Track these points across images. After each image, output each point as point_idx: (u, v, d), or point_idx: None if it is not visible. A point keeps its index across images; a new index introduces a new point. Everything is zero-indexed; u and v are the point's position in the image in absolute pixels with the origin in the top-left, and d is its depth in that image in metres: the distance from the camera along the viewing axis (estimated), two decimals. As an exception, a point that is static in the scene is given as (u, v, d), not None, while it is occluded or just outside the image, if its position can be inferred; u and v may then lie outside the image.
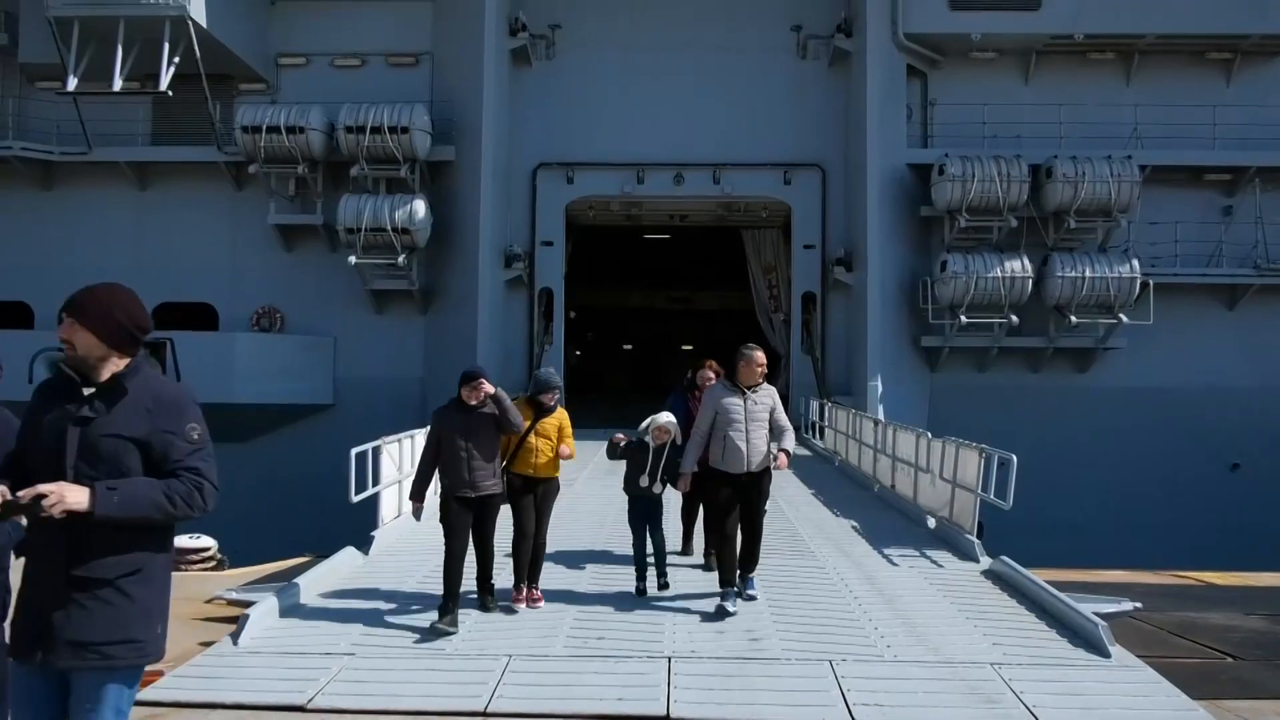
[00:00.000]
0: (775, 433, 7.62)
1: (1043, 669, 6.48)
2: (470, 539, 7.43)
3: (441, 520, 7.39)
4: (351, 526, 10.25)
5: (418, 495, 7.58)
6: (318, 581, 8.46)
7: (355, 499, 10.13)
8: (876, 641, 7.02)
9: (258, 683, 6.12)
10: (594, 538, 10.70)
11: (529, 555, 7.84)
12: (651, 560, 8.36)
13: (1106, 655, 6.69)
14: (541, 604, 7.80)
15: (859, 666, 6.46)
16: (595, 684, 6.08)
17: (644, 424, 8.19)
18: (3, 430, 4.44)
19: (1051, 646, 6.97)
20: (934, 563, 9.79)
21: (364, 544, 9.81)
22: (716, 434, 7.58)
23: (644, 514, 8.28)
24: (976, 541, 10.06)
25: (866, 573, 9.28)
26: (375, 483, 10.43)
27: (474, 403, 7.32)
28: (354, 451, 10.21)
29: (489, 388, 7.37)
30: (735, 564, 7.74)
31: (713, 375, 8.76)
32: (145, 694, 5.92)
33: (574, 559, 9.46)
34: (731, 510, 7.64)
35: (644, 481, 8.09)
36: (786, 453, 7.55)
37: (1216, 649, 7.49)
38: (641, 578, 8.23)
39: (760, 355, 7.68)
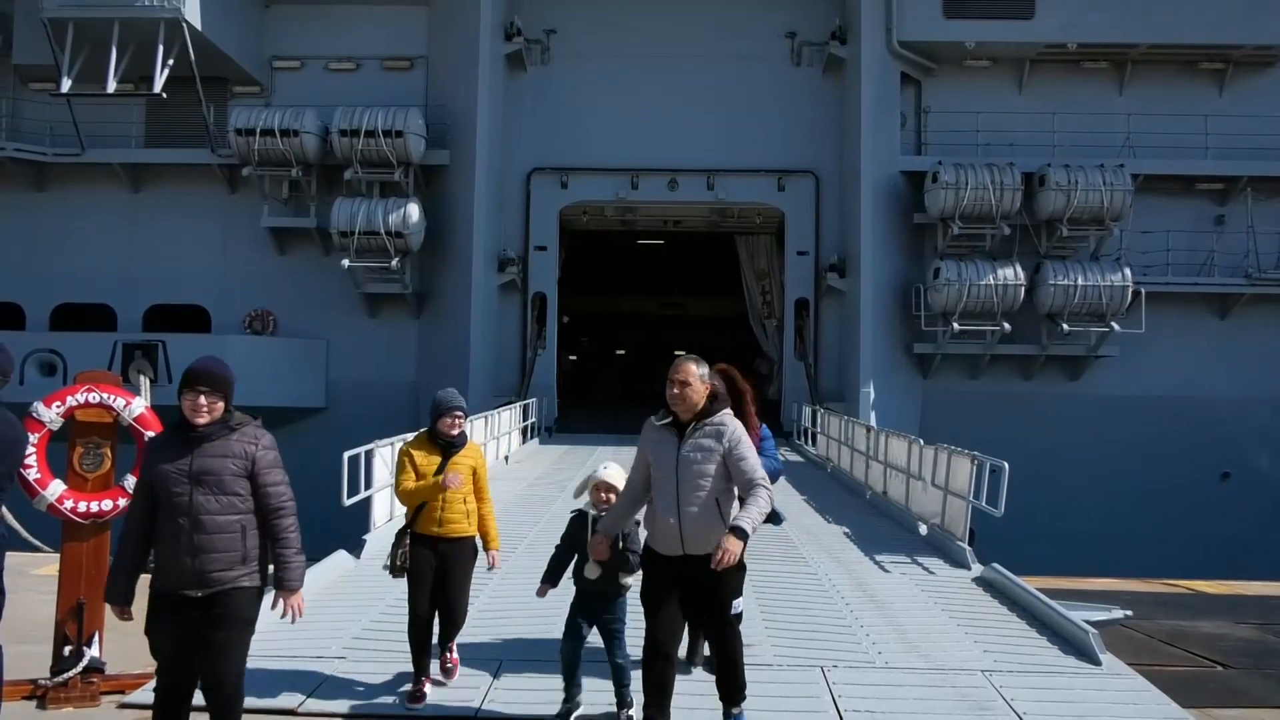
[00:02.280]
0: (740, 490, 5.01)
1: (1033, 676, 6.49)
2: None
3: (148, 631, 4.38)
4: (343, 530, 10.23)
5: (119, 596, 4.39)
6: (309, 585, 8.38)
7: (347, 503, 10.12)
8: (868, 648, 7.03)
9: (249, 686, 6.08)
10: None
11: (429, 644, 5.94)
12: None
13: (1097, 663, 6.70)
14: (457, 673, 6.17)
15: (850, 673, 6.47)
16: (588, 688, 6.05)
17: (582, 480, 5.81)
18: (2, 430, 4.42)
19: (1042, 654, 6.98)
20: (925, 569, 9.80)
21: (356, 548, 9.79)
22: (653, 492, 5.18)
23: (590, 615, 5.58)
24: (968, 548, 10.08)
25: (858, 579, 9.28)
26: (367, 486, 10.42)
27: (455, 433, 6.00)
28: (346, 455, 10.19)
29: (464, 424, 6.11)
30: (666, 696, 5.17)
31: (722, 384, 5.53)
32: (134, 697, 5.91)
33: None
34: (662, 611, 5.07)
35: (590, 572, 5.48)
36: (739, 532, 4.72)
37: (1206, 657, 7.51)
38: (569, 698, 5.64)
39: (693, 368, 5.07)
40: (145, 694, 5.89)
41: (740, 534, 4.75)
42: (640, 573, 5.31)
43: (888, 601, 8.41)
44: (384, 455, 10.80)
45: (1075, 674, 6.57)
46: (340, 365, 24.13)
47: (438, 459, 5.95)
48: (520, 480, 16.06)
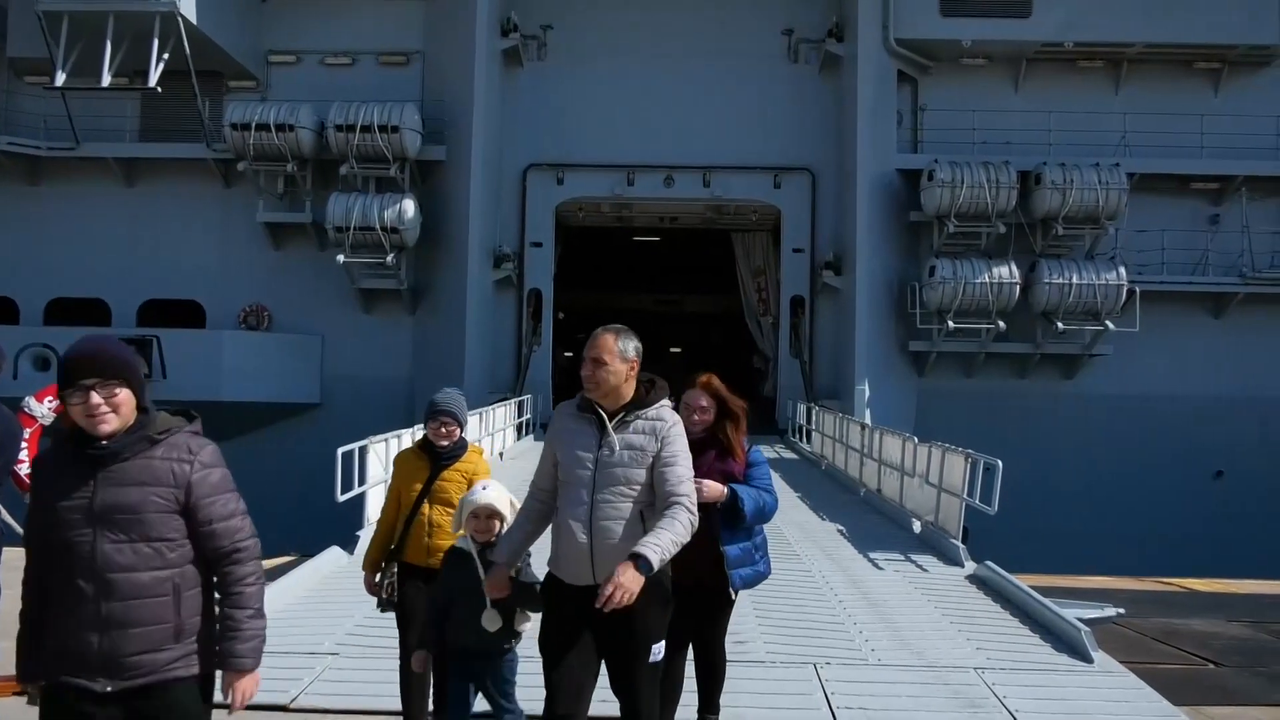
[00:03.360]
0: (657, 502, 3.91)
1: (1026, 674, 6.50)
2: None
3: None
4: (337, 526, 10.23)
5: None
6: (302, 581, 8.45)
7: (341, 498, 10.12)
8: (861, 645, 7.03)
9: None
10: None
11: (425, 691, 5.08)
12: None
13: (1089, 661, 6.71)
14: None
15: (843, 670, 6.47)
16: None
17: (459, 506, 4.67)
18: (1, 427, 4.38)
19: (1035, 651, 6.99)
20: (919, 567, 9.81)
21: (349, 543, 9.78)
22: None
23: (473, 678, 4.57)
24: (961, 546, 10.10)
25: (852, 576, 9.29)
26: (361, 482, 10.41)
27: (443, 443, 5.04)
28: (340, 451, 10.19)
29: (456, 433, 5.09)
30: None
31: (706, 402, 4.92)
32: (127, 692, 5.89)
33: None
34: (566, 660, 3.91)
35: (490, 622, 4.38)
36: (639, 562, 3.63)
37: (1198, 655, 7.53)
38: None
39: (613, 342, 4.00)
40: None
41: (641, 564, 3.59)
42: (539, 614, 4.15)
43: (881, 599, 8.42)
44: (378, 451, 10.80)
45: (1068, 672, 6.58)
46: (335, 361, 24.10)
47: (425, 472, 5.03)
48: (514, 478, 16.03)
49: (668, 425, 3.99)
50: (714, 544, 4.73)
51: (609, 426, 3.94)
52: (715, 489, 4.69)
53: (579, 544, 3.88)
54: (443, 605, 4.49)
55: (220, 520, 3.00)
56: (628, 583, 3.56)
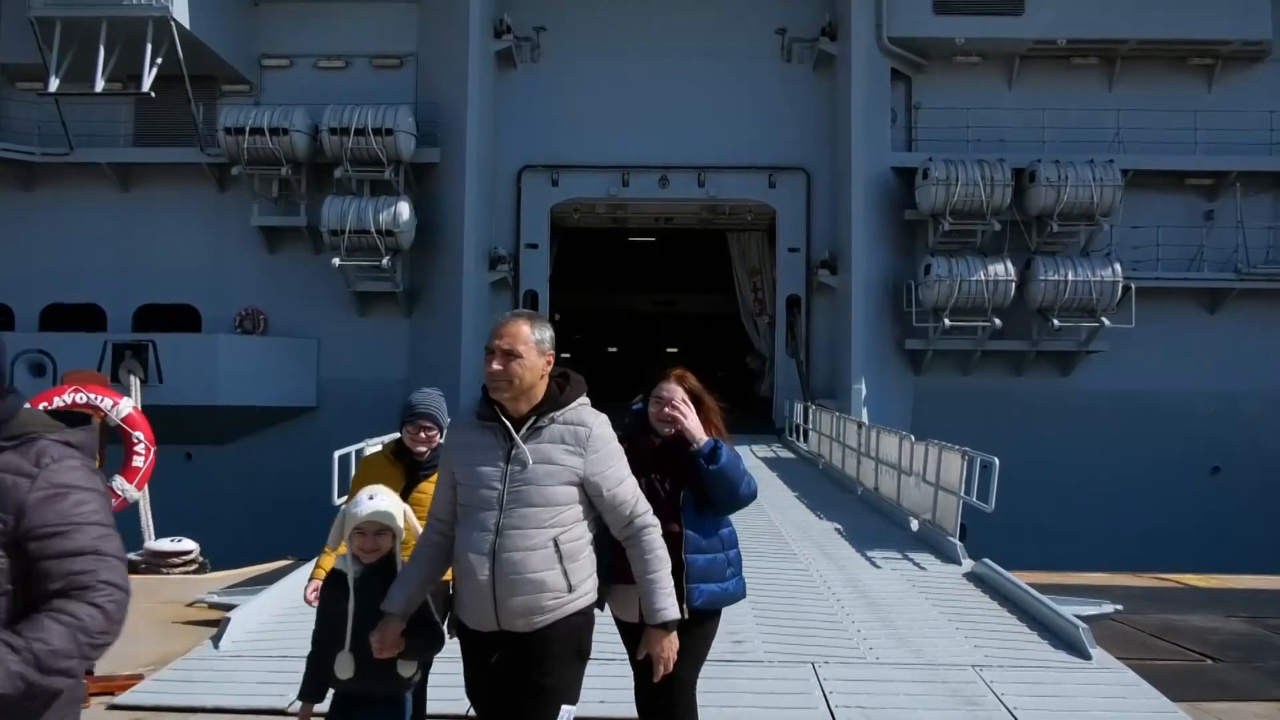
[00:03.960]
0: (617, 531, 3.43)
1: (1024, 671, 6.50)
2: None
3: None
4: (333, 529, 10.19)
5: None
6: (300, 584, 8.41)
7: (338, 502, 10.08)
8: (859, 644, 7.03)
9: (238, 686, 6.09)
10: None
11: None
12: None
13: (1087, 657, 6.72)
14: None
15: (841, 669, 6.47)
16: (578, 687, 6.06)
17: (336, 521, 3.91)
18: None
19: (1033, 649, 7.00)
20: (916, 565, 9.82)
21: (346, 547, 9.74)
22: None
23: None
24: (959, 544, 10.11)
25: (849, 575, 9.29)
26: (358, 485, 10.38)
27: (420, 449, 4.50)
28: (337, 454, 10.18)
29: (435, 437, 4.53)
30: None
31: (680, 394, 4.00)
32: (124, 698, 5.89)
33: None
34: (490, 712, 3.56)
35: (342, 668, 3.61)
36: (665, 623, 3.40)
37: (1197, 651, 7.53)
38: None
39: (525, 330, 3.33)
40: (134, 695, 5.88)
41: (669, 624, 3.37)
42: (434, 657, 3.72)
43: (879, 597, 8.42)
44: (374, 454, 10.75)
45: (1066, 668, 6.59)
46: (331, 364, 24.07)
47: (399, 483, 4.35)
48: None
49: (590, 430, 3.32)
50: (676, 552, 3.74)
51: (517, 436, 3.29)
52: (699, 428, 3.88)
53: (479, 583, 3.24)
54: (320, 643, 3.70)
55: (59, 558, 2.09)
56: (668, 652, 3.42)
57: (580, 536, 3.34)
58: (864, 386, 22.52)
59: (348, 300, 24.00)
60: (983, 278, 22.27)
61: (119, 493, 6.09)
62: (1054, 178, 22.18)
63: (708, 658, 6.59)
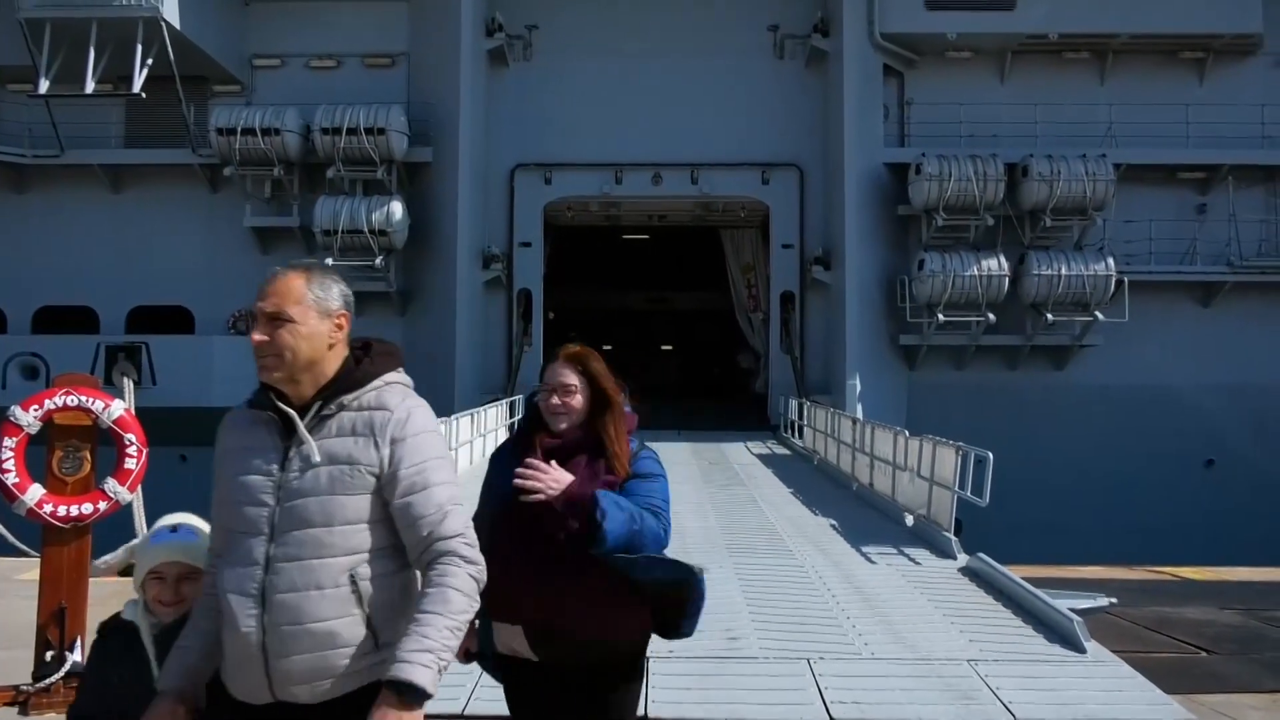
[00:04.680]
0: (415, 558, 2.55)
1: (1019, 665, 6.50)
2: None
3: None
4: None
5: None
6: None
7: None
8: (854, 639, 7.03)
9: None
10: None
11: None
12: None
13: (1082, 651, 6.73)
14: None
15: (837, 664, 6.47)
16: (573, 685, 6.05)
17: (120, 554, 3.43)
18: None
19: (1028, 643, 7.00)
20: (912, 560, 9.82)
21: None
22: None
23: None
24: (954, 539, 10.11)
25: (844, 571, 9.29)
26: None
27: None
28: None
29: None
30: None
31: (574, 379, 3.30)
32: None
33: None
34: None
35: None
36: (408, 691, 2.37)
37: (1191, 643, 7.54)
38: None
39: (298, 284, 2.71)
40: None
41: (411, 693, 2.35)
42: None
43: (874, 592, 8.42)
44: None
45: (1061, 662, 6.59)
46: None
47: None
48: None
49: (391, 415, 2.50)
50: (613, 575, 3.03)
51: (300, 428, 2.48)
52: (562, 480, 3.05)
53: (244, 637, 2.39)
54: (86, 711, 2.82)
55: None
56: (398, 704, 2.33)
57: (391, 571, 2.48)
58: (858, 382, 22.54)
59: (341, 301, 23.93)
60: (976, 273, 22.28)
61: (111, 495, 6.05)
62: (1047, 172, 22.20)
63: (702, 655, 6.63)
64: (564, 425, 3.24)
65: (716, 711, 5.73)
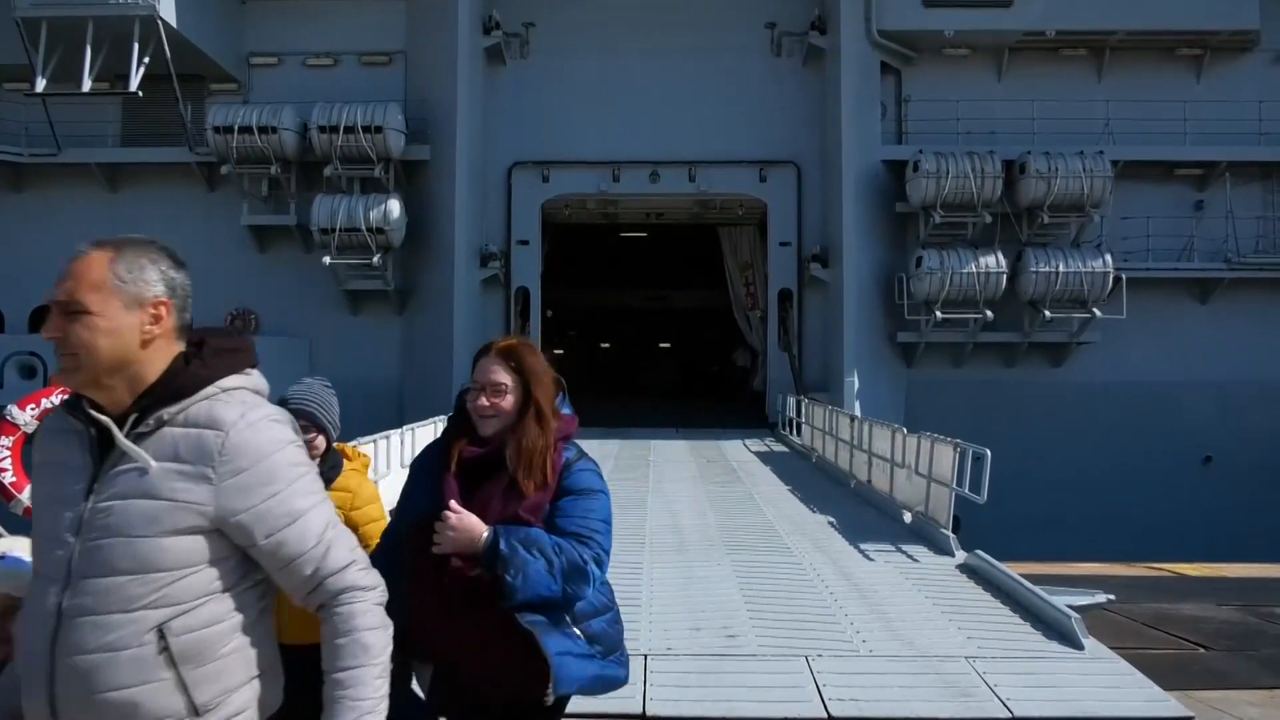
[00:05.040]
0: (299, 598, 2.12)
1: (1017, 662, 6.51)
2: None
3: None
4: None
5: None
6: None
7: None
8: (852, 636, 7.03)
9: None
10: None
11: None
12: None
13: (1080, 647, 6.73)
14: None
15: (835, 662, 6.47)
16: (571, 683, 6.04)
17: None
18: None
19: (1025, 639, 7.01)
20: (909, 557, 9.82)
21: (339, 546, 9.71)
22: None
23: None
24: (952, 536, 10.11)
25: (842, 568, 9.29)
26: (350, 484, 10.33)
27: None
28: (328, 453, 10.12)
29: (320, 444, 3.58)
30: None
31: (505, 378, 2.89)
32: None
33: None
34: None
35: None
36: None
37: (1189, 640, 7.55)
38: None
39: (103, 264, 2.05)
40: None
41: None
42: None
43: (872, 590, 8.42)
44: (367, 453, 10.71)
45: (1058, 658, 6.60)
46: (323, 363, 23.93)
47: None
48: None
49: (226, 436, 2.00)
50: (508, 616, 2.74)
51: (120, 441, 1.99)
52: (468, 531, 2.69)
53: (34, 703, 1.97)
54: None
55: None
56: None
57: (217, 620, 2.00)
58: (856, 380, 22.54)
59: (339, 299, 23.95)
60: (974, 270, 22.28)
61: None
62: (1044, 169, 22.20)
63: (700, 653, 6.64)
64: (492, 430, 2.87)
65: (715, 709, 5.73)
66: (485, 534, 2.69)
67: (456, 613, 2.74)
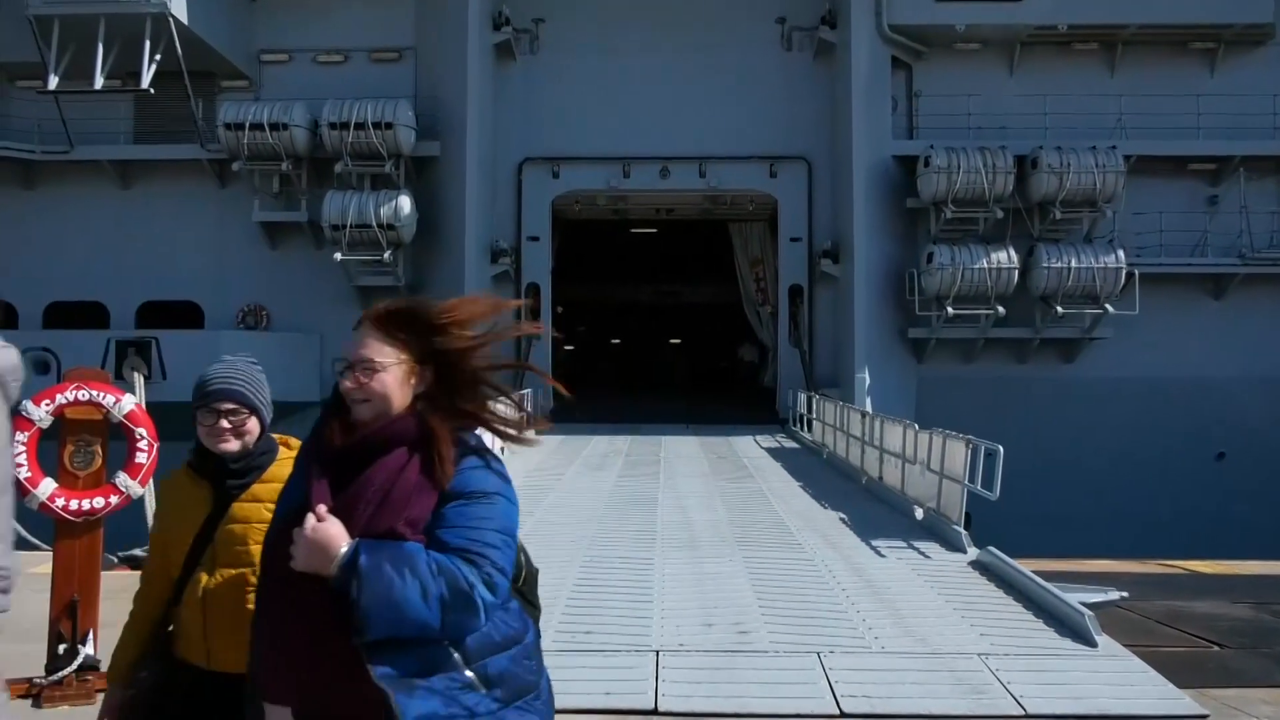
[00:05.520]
0: None
1: (1030, 659, 6.49)
2: None
3: None
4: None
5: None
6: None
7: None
8: (864, 633, 7.03)
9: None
10: (582, 531, 10.67)
11: None
12: None
13: (1093, 645, 6.71)
14: None
15: (846, 658, 6.46)
16: (583, 678, 6.06)
17: None
18: None
19: (1038, 636, 6.99)
20: (921, 554, 9.80)
21: (351, 541, 9.74)
22: None
23: None
24: (964, 532, 10.09)
25: (854, 564, 9.28)
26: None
27: (226, 447, 2.97)
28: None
29: (252, 427, 3.05)
30: None
31: (376, 351, 2.43)
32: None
33: (563, 553, 9.44)
34: None
35: None
36: None
37: (1203, 637, 7.52)
38: None
39: None
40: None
41: None
42: None
43: (884, 586, 8.41)
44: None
45: (1071, 656, 6.58)
46: (334, 359, 24.03)
47: (204, 507, 2.89)
48: (515, 471, 16.04)
49: None
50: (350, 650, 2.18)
51: None
52: (323, 544, 2.20)
53: None
54: None
55: None
56: None
57: None
58: (867, 375, 22.49)
59: (350, 295, 23.97)
60: (985, 265, 22.21)
61: (122, 489, 6.08)
62: (1056, 164, 22.11)
63: (712, 649, 6.64)
64: (366, 416, 2.37)
65: (727, 705, 5.73)
66: (344, 548, 2.17)
67: (314, 647, 2.21)
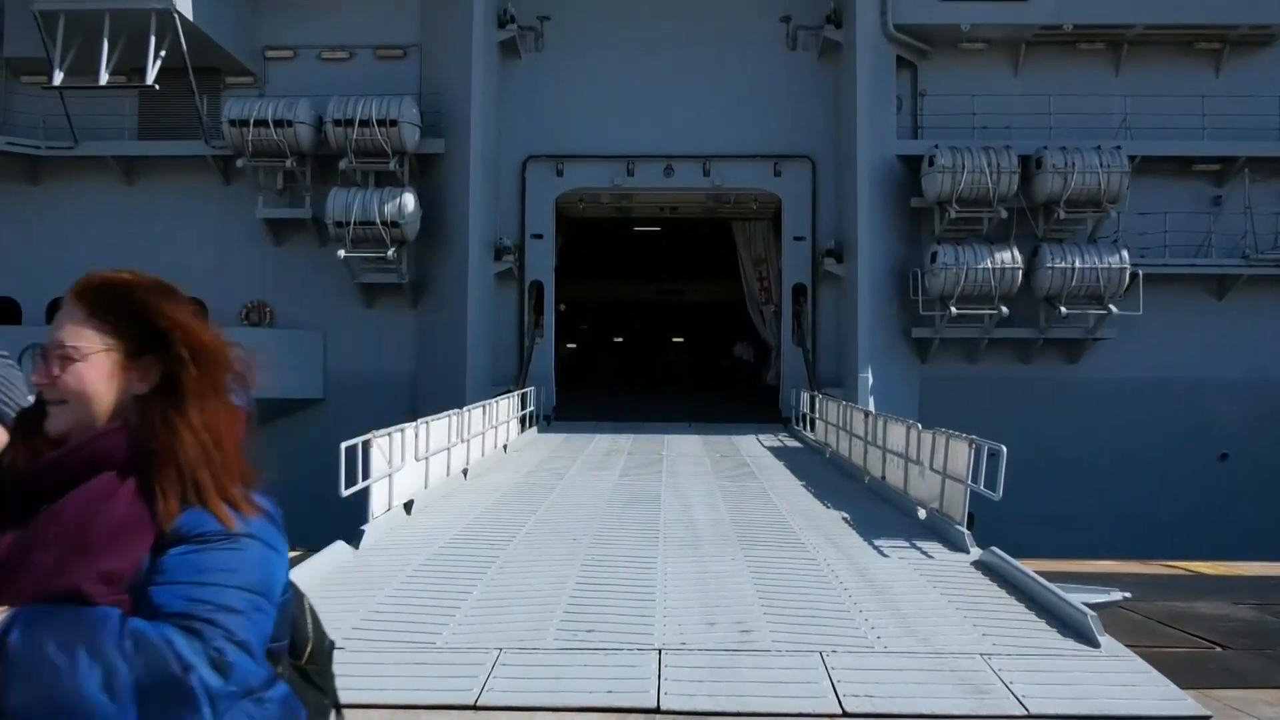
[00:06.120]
0: None
1: (1032, 659, 6.48)
2: None
3: None
4: (341, 521, 10.22)
5: None
6: (307, 576, 8.42)
7: (345, 493, 10.11)
8: (867, 633, 7.02)
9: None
10: (584, 529, 10.68)
11: None
12: None
13: (1096, 645, 6.70)
14: None
15: (849, 658, 6.46)
16: (586, 676, 6.07)
17: None
18: None
19: (1041, 637, 6.98)
20: (924, 554, 9.79)
21: (354, 538, 9.77)
22: None
23: None
24: (966, 532, 10.08)
25: (857, 564, 9.27)
26: (365, 477, 10.40)
27: None
28: (344, 445, 10.17)
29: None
30: None
31: (75, 335, 1.79)
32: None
33: (565, 550, 9.44)
34: None
35: None
36: None
37: (1205, 638, 7.51)
38: None
39: None
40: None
41: None
42: None
43: (886, 586, 8.40)
44: (381, 446, 10.78)
45: (1074, 656, 6.57)
46: (338, 356, 24.09)
47: None
48: (518, 469, 16.07)
49: None
50: None
51: None
52: None
53: None
54: None
55: None
56: None
57: None
58: (870, 375, 22.49)
59: (353, 292, 24.02)
60: (989, 265, 22.20)
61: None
62: (1061, 164, 22.09)
63: (715, 648, 6.64)
64: (62, 424, 1.73)
65: (729, 704, 5.72)
66: None
67: None
